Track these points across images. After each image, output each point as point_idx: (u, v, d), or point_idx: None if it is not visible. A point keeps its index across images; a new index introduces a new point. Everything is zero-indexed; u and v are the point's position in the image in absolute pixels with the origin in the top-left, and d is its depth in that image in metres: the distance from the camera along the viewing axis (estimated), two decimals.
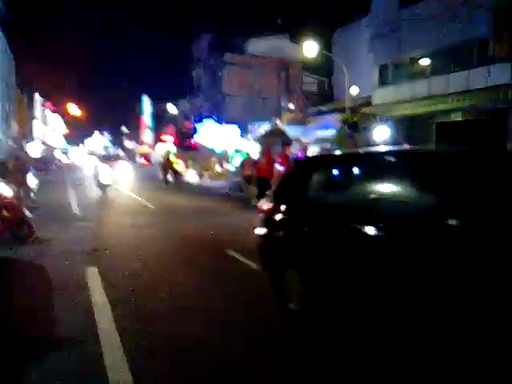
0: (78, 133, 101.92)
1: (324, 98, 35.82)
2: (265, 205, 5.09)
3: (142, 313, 4.53)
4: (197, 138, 32.81)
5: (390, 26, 21.64)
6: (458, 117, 19.42)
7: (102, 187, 16.55)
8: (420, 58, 20.91)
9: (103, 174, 16.55)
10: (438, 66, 20.01)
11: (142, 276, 5.85)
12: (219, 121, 34.38)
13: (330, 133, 24.59)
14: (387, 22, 21.74)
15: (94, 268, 6.11)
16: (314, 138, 27.05)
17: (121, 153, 53.73)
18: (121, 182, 21.39)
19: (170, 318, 4.41)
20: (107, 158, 20.90)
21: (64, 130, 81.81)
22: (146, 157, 54.56)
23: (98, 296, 4.96)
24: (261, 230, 5.00)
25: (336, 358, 3.60)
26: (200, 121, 42.03)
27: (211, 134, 31.83)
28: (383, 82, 23.22)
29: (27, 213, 8.54)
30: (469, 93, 17.56)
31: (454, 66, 19.22)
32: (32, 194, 13.48)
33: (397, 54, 21.86)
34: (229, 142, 30.61)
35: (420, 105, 19.61)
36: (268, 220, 4.93)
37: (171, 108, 47.25)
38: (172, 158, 23.18)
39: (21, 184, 13.08)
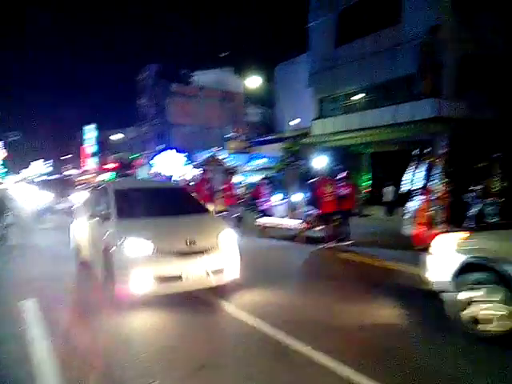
0: (17, 161, 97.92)
1: (267, 128, 37.03)
2: None
3: (80, 346, 4.48)
4: (156, 167, 33.42)
5: (326, 63, 23.10)
6: (391, 147, 20.75)
7: None
8: (354, 93, 22.41)
9: None
10: (371, 101, 21.53)
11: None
12: (169, 149, 34.88)
13: (272, 161, 25.48)
14: (324, 60, 23.20)
15: (32, 300, 5.97)
16: (256, 166, 27.87)
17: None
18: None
19: (108, 351, 4.38)
20: None
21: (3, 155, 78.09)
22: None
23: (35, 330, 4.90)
24: None
25: None
26: (144, 149, 41.99)
27: (169, 163, 32.48)
28: (321, 114, 24.52)
29: None
30: (397, 125, 18.95)
31: (384, 101, 20.73)
32: None
33: (333, 88, 23.28)
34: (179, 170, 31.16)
35: (354, 136, 20.87)
36: None
37: (116, 137, 46.94)
38: None
39: None
